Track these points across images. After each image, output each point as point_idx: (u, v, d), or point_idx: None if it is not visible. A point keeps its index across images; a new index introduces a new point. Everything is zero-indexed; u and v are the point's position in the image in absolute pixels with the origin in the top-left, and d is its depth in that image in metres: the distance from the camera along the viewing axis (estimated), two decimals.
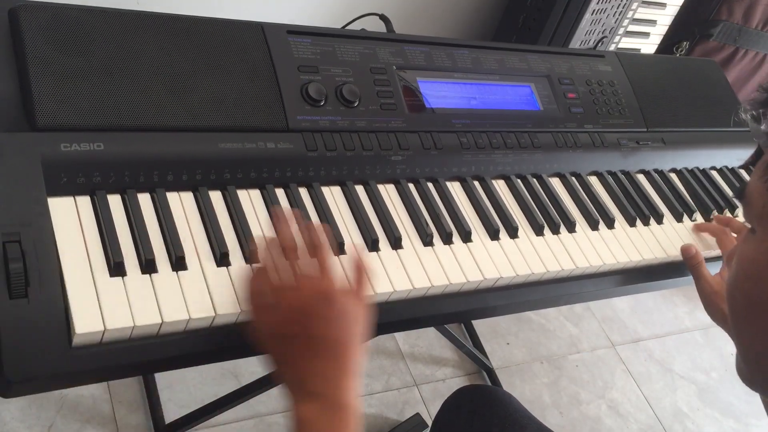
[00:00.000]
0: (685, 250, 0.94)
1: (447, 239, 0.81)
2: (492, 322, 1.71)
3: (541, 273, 0.83)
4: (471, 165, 0.89)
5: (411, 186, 0.85)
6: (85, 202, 0.65)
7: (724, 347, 1.93)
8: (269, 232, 0.72)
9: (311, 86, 0.79)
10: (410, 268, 0.76)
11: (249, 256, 0.69)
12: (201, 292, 0.64)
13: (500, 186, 0.92)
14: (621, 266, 0.91)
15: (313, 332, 0.59)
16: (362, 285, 0.66)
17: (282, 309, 0.60)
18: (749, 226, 0.55)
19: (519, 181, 0.93)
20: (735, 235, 0.98)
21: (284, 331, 0.59)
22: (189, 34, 0.75)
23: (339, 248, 0.74)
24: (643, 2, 1.43)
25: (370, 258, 0.75)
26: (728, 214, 1.08)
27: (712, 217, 1.04)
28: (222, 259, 0.67)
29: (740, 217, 1.09)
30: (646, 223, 0.98)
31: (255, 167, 0.74)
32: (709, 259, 0.96)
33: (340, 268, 0.70)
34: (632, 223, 0.97)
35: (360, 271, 0.66)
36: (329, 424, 0.56)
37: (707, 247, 0.99)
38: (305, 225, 0.67)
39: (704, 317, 1.98)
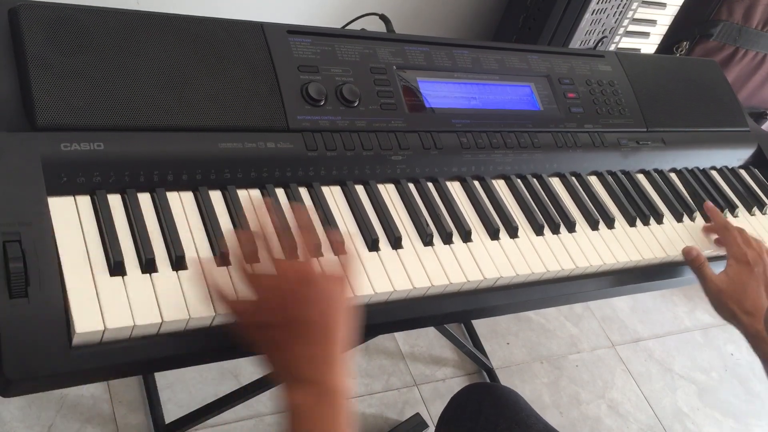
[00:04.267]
0: (686, 252, 0.94)
1: (447, 239, 0.81)
2: (492, 322, 1.71)
3: (541, 273, 0.83)
4: (471, 165, 0.89)
5: (411, 186, 0.85)
6: (85, 201, 0.65)
7: (724, 347, 1.93)
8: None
9: (311, 86, 0.79)
10: (410, 268, 0.76)
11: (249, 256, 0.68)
12: (201, 291, 0.64)
13: (500, 186, 0.92)
14: (621, 266, 0.91)
15: (295, 316, 0.57)
16: (348, 271, 0.65)
17: (259, 296, 0.59)
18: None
19: (519, 180, 0.93)
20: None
21: (265, 319, 0.58)
22: (189, 34, 0.75)
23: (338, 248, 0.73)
24: (643, 2, 1.43)
25: (370, 258, 0.75)
26: (729, 214, 1.08)
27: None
28: (222, 258, 0.67)
29: (739, 217, 1.09)
30: (646, 223, 0.98)
31: (255, 167, 0.74)
32: (711, 259, 0.96)
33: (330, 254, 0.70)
34: (632, 223, 0.97)
35: (347, 256, 0.65)
36: (321, 409, 0.55)
37: (707, 246, 0.99)
38: (294, 207, 0.66)
39: (704, 317, 1.99)
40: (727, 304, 0.89)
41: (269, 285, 0.59)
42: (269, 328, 0.58)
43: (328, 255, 0.70)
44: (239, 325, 0.60)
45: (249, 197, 0.73)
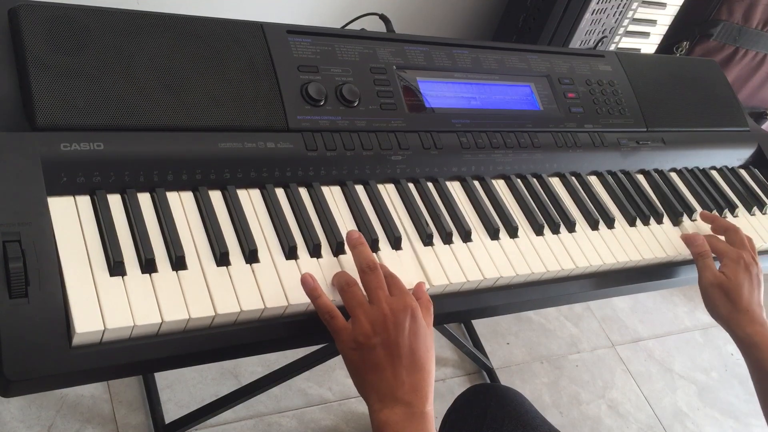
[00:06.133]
0: (691, 240, 0.93)
1: (447, 239, 0.81)
2: (492, 322, 1.71)
3: (541, 273, 0.83)
4: (471, 165, 0.89)
5: (411, 186, 0.85)
6: (85, 201, 0.65)
7: (724, 347, 1.93)
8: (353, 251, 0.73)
9: (311, 86, 0.79)
10: (410, 268, 0.76)
11: (249, 256, 0.69)
12: (201, 291, 0.64)
13: (500, 186, 0.92)
14: (621, 266, 0.91)
15: (397, 341, 0.64)
16: (429, 311, 0.70)
17: (370, 321, 0.64)
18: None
19: (519, 180, 0.93)
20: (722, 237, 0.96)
21: (372, 341, 0.64)
22: (189, 34, 0.75)
23: (338, 248, 0.74)
24: (643, 2, 1.43)
25: None
26: (729, 214, 1.08)
27: (695, 217, 1.03)
28: (222, 258, 0.67)
29: (739, 217, 1.09)
30: (646, 223, 0.98)
31: (255, 167, 0.74)
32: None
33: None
34: (632, 223, 0.97)
35: (426, 297, 0.71)
36: (409, 429, 0.61)
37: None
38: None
39: (704, 317, 1.99)
40: (720, 301, 0.89)
41: (379, 312, 0.65)
42: (372, 349, 0.64)
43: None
44: (342, 344, 0.65)
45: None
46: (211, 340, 0.63)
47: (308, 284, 0.67)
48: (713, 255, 0.93)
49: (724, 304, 0.89)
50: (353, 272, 0.70)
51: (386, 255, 0.76)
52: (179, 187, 0.71)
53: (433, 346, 0.68)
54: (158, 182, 0.69)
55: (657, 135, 1.07)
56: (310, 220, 0.74)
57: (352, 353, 0.65)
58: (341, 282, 0.68)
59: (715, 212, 1.07)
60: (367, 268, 0.68)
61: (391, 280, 0.69)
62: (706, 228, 1.02)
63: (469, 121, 0.90)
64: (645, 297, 1.99)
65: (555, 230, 0.89)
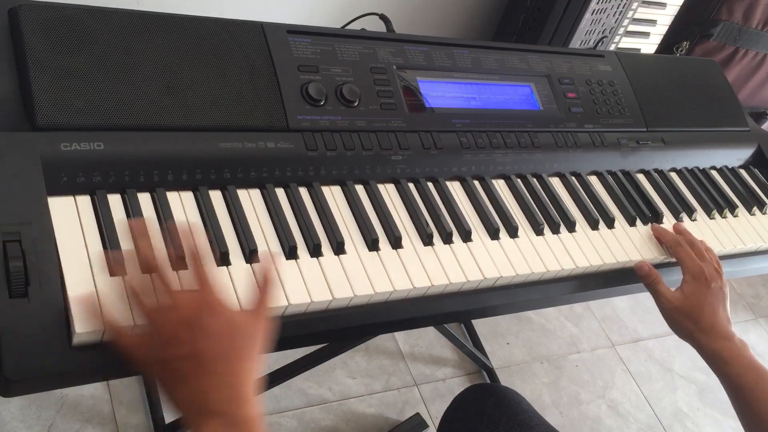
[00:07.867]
0: (638, 269, 0.90)
1: (447, 239, 0.81)
2: (492, 322, 1.71)
3: (541, 273, 0.83)
4: (471, 165, 0.89)
5: (411, 186, 0.85)
6: (85, 201, 0.65)
7: None
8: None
9: (311, 86, 0.79)
10: (410, 268, 0.76)
11: (249, 256, 0.69)
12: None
13: (500, 186, 0.92)
14: (621, 266, 0.91)
15: (201, 349, 0.55)
16: (263, 297, 0.61)
17: (162, 331, 0.56)
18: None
19: (519, 180, 0.93)
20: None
21: (170, 354, 0.55)
22: (189, 34, 0.75)
23: (339, 248, 0.74)
24: (643, 2, 1.43)
25: (370, 258, 0.75)
26: (729, 214, 1.08)
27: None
28: (222, 258, 0.67)
29: (739, 217, 1.09)
30: (646, 222, 0.98)
31: (255, 167, 0.74)
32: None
33: (226, 277, 0.65)
34: (632, 223, 0.97)
35: (266, 280, 0.61)
36: None
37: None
38: (180, 233, 0.62)
39: None
40: (682, 323, 0.87)
41: (171, 318, 0.56)
42: (171, 362, 0.55)
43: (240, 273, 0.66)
44: (138, 361, 0.56)
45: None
46: None
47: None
48: (678, 262, 0.91)
49: (686, 324, 0.87)
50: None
51: (386, 255, 0.76)
52: (179, 187, 0.71)
53: (249, 345, 0.58)
54: (158, 182, 0.69)
55: (657, 135, 1.07)
56: (310, 220, 0.74)
57: (155, 369, 0.56)
58: (131, 291, 0.58)
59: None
60: (148, 270, 0.58)
61: (194, 270, 0.59)
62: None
63: (470, 121, 0.90)
64: (645, 297, 1.98)
65: (555, 230, 0.89)
